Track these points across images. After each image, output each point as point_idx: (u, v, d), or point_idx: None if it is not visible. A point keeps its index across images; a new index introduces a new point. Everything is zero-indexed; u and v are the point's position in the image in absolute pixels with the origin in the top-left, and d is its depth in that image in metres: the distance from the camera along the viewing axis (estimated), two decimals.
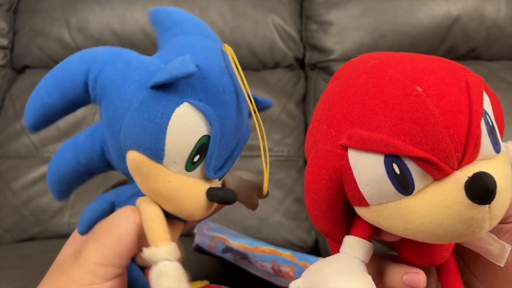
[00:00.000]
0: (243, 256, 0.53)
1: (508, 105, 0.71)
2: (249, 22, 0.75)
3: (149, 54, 0.29)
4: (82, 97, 0.25)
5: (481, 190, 0.18)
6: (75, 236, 0.28)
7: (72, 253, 0.26)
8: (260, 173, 0.70)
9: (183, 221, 0.28)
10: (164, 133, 0.23)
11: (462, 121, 0.20)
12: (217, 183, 0.27)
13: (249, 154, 0.71)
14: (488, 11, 0.74)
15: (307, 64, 0.79)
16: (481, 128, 0.20)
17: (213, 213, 0.31)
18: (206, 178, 0.26)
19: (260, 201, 0.67)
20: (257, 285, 0.51)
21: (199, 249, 0.49)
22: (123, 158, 0.24)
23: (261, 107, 0.31)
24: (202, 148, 0.24)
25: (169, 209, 0.25)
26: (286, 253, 0.59)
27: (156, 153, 0.23)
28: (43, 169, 0.69)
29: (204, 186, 0.25)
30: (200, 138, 0.24)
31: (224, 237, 0.56)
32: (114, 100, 0.24)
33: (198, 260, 0.53)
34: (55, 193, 0.28)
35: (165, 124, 0.23)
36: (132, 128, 0.23)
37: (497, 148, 0.21)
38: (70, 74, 0.24)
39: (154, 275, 0.23)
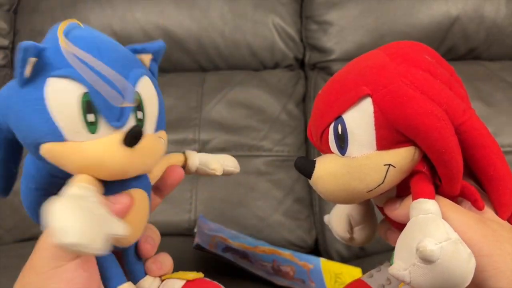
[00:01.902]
0: (244, 255, 0.53)
1: (508, 105, 0.71)
2: (249, 22, 0.75)
3: None
4: (5, 138, 0.27)
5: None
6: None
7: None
8: (260, 173, 0.70)
9: (141, 187, 0.29)
10: (49, 113, 0.24)
11: (321, 122, 0.28)
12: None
13: (249, 154, 0.71)
14: (488, 11, 0.74)
15: (307, 64, 0.80)
16: (329, 131, 0.27)
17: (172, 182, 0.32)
18: (119, 130, 0.26)
19: (260, 201, 0.67)
20: (257, 284, 0.51)
21: (200, 248, 0.49)
22: (47, 161, 0.25)
23: (151, 51, 0.31)
24: (89, 105, 0.25)
25: (104, 177, 0.26)
26: (286, 253, 0.59)
27: (55, 134, 0.24)
28: None
29: (117, 138, 0.25)
30: (81, 98, 0.24)
31: (224, 237, 0.56)
32: (9, 119, 0.25)
33: (198, 258, 0.53)
34: (37, 222, 0.29)
35: (44, 105, 0.24)
36: (25, 126, 0.25)
37: (342, 152, 0.27)
38: None
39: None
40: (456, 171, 0.24)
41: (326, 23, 0.76)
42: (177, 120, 0.71)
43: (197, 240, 0.50)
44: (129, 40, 0.75)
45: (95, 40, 0.27)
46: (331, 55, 0.76)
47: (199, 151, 0.70)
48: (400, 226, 0.30)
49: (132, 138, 0.25)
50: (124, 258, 0.30)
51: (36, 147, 0.25)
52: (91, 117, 0.25)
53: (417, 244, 0.21)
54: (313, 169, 0.28)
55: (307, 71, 0.80)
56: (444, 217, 0.24)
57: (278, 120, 0.73)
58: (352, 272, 0.58)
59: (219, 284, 0.31)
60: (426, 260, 0.21)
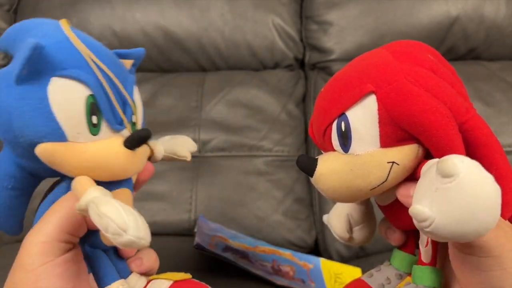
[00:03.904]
0: (243, 255, 0.53)
1: (508, 105, 0.71)
2: (249, 22, 0.75)
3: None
4: None
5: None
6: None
7: None
8: (260, 173, 0.70)
9: (128, 187, 0.29)
10: (52, 113, 0.24)
11: (324, 119, 0.28)
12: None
13: (249, 154, 0.71)
14: (488, 11, 0.74)
15: (307, 64, 0.80)
16: (332, 128, 0.27)
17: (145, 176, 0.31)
18: (117, 133, 0.27)
19: (260, 201, 0.67)
20: (257, 284, 0.51)
21: (200, 248, 0.49)
22: (37, 160, 0.25)
23: (133, 57, 0.31)
24: (93, 108, 0.25)
25: (102, 177, 0.26)
26: (286, 253, 0.59)
27: (57, 134, 0.24)
28: None
29: (118, 140, 0.26)
30: (86, 100, 0.25)
31: (224, 237, 0.56)
32: None
33: (198, 258, 0.53)
34: (7, 230, 0.30)
35: (47, 105, 0.24)
36: (23, 125, 0.24)
37: (345, 149, 0.26)
38: None
39: (90, 215, 0.23)
40: None
41: (326, 23, 0.76)
42: (177, 120, 0.71)
43: (197, 240, 0.50)
44: (129, 40, 0.75)
45: (94, 43, 0.27)
46: (331, 55, 0.76)
47: (199, 151, 0.70)
48: (400, 225, 0.30)
49: (139, 142, 0.26)
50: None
51: (31, 146, 0.24)
52: (94, 119, 0.25)
53: (438, 162, 0.21)
54: (315, 167, 0.28)
55: (307, 71, 0.80)
56: None
57: (278, 120, 0.73)
58: (352, 272, 0.58)
59: (206, 285, 0.31)
60: (448, 173, 0.20)
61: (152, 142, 0.34)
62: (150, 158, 0.34)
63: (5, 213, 0.29)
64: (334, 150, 0.28)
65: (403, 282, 0.31)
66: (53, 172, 0.26)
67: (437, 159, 0.24)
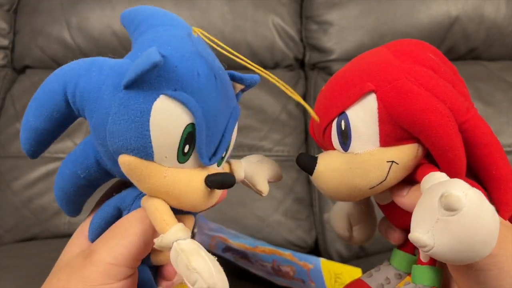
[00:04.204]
0: (243, 255, 0.53)
1: (508, 105, 0.71)
2: (249, 22, 0.75)
3: None
4: (68, 114, 0.25)
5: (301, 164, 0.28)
6: (80, 236, 0.28)
7: (81, 253, 0.26)
8: None
9: (193, 214, 0.28)
10: (148, 130, 0.22)
11: (325, 117, 0.28)
12: (217, 170, 0.26)
13: (249, 154, 0.71)
14: (488, 11, 0.74)
15: (307, 64, 0.80)
16: (332, 126, 0.27)
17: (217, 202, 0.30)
18: (203, 166, 0.25)
19: (260, 201, 0.67)
20: (257, 284, 0.51)
21: None
22: (117, 164, 0.24)
23: (247, 84, 0.30)
24: (189, 137, 0.24)
25: (172, 204, 0.25)
26: (286, 253, 0.59)
27: (145, 152, 0.23)
28: (43, 169, 0.69)
29: (201, 175, 0.25)
30: (185, 128, 0.23)
31: (224, 237, 0.56)
32: (94, 109, 0.24)
33: None
34: (66, 211, 0.29)
35: (146, 121, 0.22)
36: (116, 132, 0.23)
37: (344, 148, 0.27)
38: (49, 94, 0.24)
39: (172, 258, 0.23)
40: (459, 168, 0.24)
41: (326, 23, 0.76)
42: None
43: (197, 240, 0.50)
44: (129, 40, 0.75)
45: (215, 65, 0.26)
46: (331, 55, 0.76)
47: None
48: (400, 225, 0.30)
49: (220, 187, 0.25)
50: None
51: (115, 153, 0.24)
52: (186, 148, 0.24)
53: (441, 193, 0.21)
54: (315, 165, 0.28)
55: (307, 71, 0.80)
56: None
57: (278, 120, 0.73)
58: (352, 272, 0.58)
59: None
60: (452, 207, 0.20)
61: (234, 163, 0.32)
62: None
63: (69, 197, 0.28)
64: (334, 149, 0.28)
65: (403, 282, 0.31)
66: (126, 177, 0.25)
67: (439, 175, 0.24)
